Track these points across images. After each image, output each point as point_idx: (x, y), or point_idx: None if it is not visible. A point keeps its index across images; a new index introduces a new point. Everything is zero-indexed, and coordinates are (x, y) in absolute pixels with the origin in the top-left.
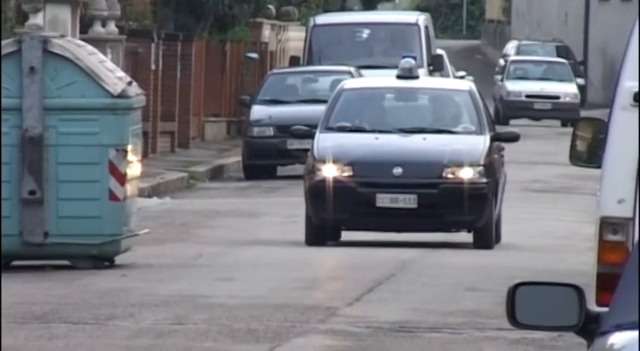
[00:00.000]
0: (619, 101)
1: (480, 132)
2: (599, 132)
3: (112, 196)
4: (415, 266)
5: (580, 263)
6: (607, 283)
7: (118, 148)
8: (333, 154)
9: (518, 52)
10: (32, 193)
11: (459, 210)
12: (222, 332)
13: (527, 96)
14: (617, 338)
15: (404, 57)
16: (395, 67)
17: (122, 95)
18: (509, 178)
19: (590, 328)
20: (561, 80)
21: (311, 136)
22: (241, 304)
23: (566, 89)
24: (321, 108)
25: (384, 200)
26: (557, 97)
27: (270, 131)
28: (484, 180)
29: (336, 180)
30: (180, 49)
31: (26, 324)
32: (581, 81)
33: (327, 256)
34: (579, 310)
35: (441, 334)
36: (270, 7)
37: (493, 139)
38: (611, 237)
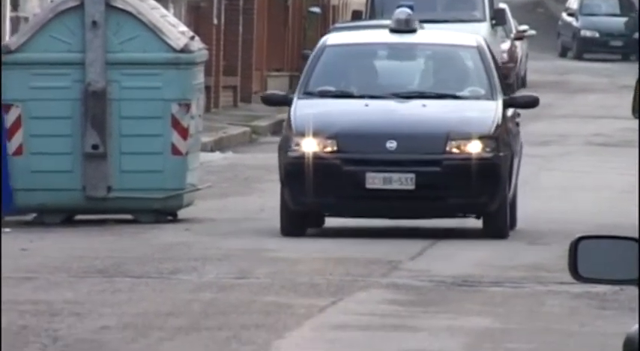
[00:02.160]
0: None
1: (490, 96)
2: None
3: (175, 151)
4: (477, 221)
5: None
6: None
7: (181, 102)
8: (314, 124)
9: (580, 6)
10: (95, 147)
11: (466, 191)
12: (285, 286)
13: None
14: None
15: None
16: (458, 21)
17: (185, 50)
18: (572, 132)
19: None
20: None
21: (287, 102)
22: (304, 258)
23: None
24: None
25: (375, 181)
26: None
27: None
28: (496, 154)
29: (317, 157)
30: (242, 4)
31: (89, 278)
32: None
33: None
34: None
35: (503, 288)
36: None
37: (506, 105)
38: None
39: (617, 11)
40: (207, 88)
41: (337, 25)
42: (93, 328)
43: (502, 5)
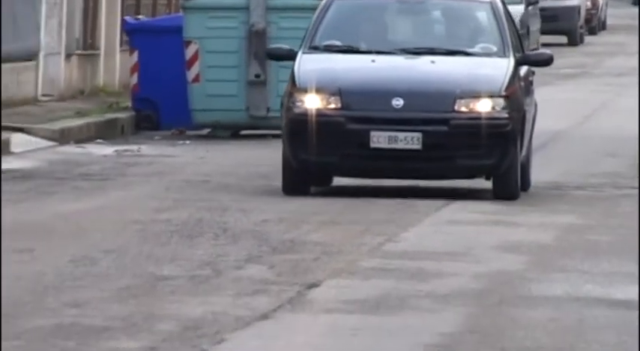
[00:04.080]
0: None
1: (502, 53)
2: None
3: None
4: (564, 137)
5: None
6: None
7: None
8: (318, 80)
9: None
10: (257, 76)
11: (475, 152)
12: (408, 189)
13: None
14: None
15: None
16: None
17: None
18: None
19: None
20: None
21: (292, 57)
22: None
23: None
24: None
25: (380, 139)
26: None
27: None
28: (507, 114)
29: (320, 113)
30: None
31: (252, 181)
32: None
33: None
34: None
35: (585, 192)
36: None
37: (519, 63)
38: None
39: None
40: None
41: None
42: (255, 221)
43: None
